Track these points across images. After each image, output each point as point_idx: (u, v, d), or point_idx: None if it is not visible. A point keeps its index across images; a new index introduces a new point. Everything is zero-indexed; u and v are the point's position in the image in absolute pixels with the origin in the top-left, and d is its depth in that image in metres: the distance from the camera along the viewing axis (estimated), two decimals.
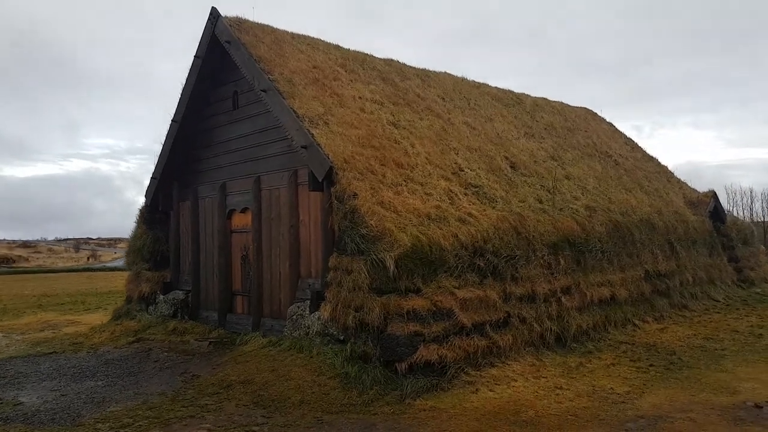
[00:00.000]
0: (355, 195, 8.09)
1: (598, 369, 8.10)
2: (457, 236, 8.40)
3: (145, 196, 13.14)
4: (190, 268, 12.27)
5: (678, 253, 13.86)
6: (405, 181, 9.21)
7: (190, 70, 11.51)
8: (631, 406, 6.48)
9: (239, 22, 10.86)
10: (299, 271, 9.63)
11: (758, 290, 16.24)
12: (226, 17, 10.88)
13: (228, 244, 11.39)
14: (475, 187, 10.51)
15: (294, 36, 11.90)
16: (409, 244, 7.56)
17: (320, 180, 8.56)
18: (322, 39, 12.83)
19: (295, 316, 9.08)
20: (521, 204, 10.81)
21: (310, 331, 8.63)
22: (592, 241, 11.12)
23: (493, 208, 10.04)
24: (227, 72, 11.20)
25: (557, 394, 6.90)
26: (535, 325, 8.91)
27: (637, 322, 10.99)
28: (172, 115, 12.05)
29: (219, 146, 11.66)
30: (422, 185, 9.42)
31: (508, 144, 13.36)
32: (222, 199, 11.39)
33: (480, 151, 12.01)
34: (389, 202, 8.25)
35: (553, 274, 9.89)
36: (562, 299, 9.70)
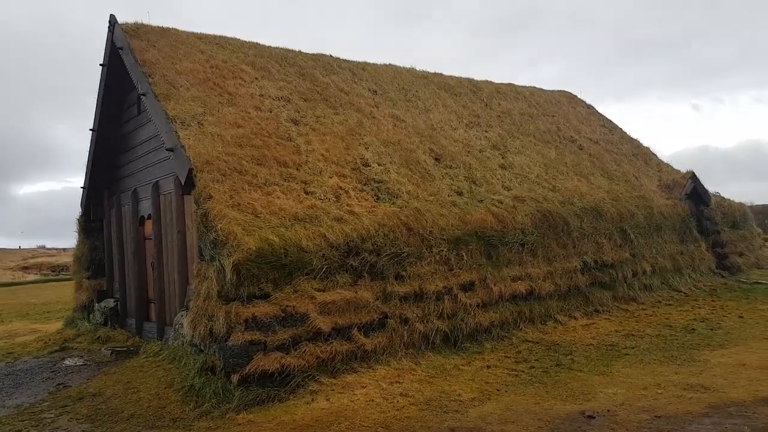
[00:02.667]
0: (209, 197, 7.81)
1: (471, 372, 7.57)
2: (325, 236, 8.01)
3: (80, 205, 13.25)
4: (118, 276, 12.29)
5: (632, 241, 12.97)
6: (284, 180, 8.88)
7: (100, 78, 11.48)
8: (459, 415, 5.98)
9: (136, 28, 10.77)
10: (187, 278, 9.43)
11: (742, 278, 15.10)
12: (125, 24, 10.80)
13: (142, 251, 11.32)
14: (378, 182, 10.07)
15: (201, 37, 11.73)
16: (254, 248, 7.21)
17: (182, 183, 8.32)
18: (242, 38, 12.62)
19: (177, 325, 8.91)
20: (430, 198, 10.32)
21: (185, 341, 8.42)
22: (510, 233, 10.49)
23: (393, 204, 9.60)
24: (131, 78, 11.10)
25: (394, 402, 6.45)
26: (419, 326, 8.43)
27: (560, 318, 10.32)
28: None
29: (130, 152, 11.63)
30: (305, 183, 9.06)
31: (439, 135, 12.82)
32: (135, 206, 11.34)
33: (398, 145, 11.53)
34: (249, 203, 7.93)
35: (451, 270, 9.36)
36: (460, 296, 9.15)
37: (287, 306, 7.30)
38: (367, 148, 10.87)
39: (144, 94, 9.47)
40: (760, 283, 14.40)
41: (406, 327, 8.33)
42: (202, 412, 6.66)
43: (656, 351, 8.22)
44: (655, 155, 18.92)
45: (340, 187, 9.30)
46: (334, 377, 7.28)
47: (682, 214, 15.21)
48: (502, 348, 8.73)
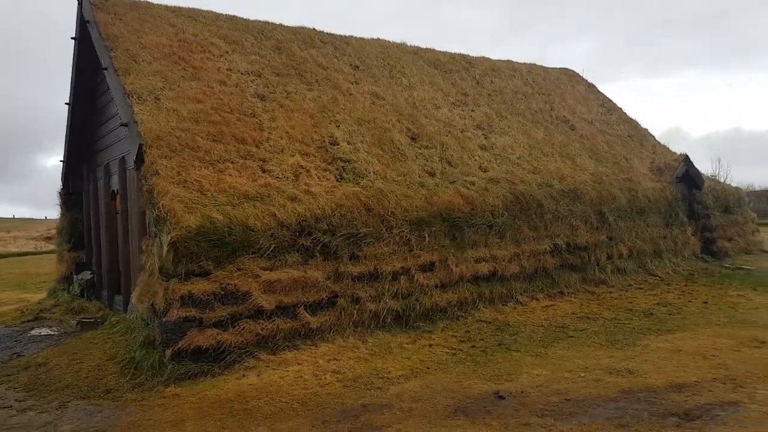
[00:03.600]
0: (156, 173, 7.86)
1: (412, 350, 7.61)
2: (275, 216, 8.02)
3: (60, 178, 13.45)
4: (95, 249, 12.50)
5: (611, 224, 12.76)
6: (240, 157, 8.88)
7: (73, 52, 11.53)
8: (378, 392, 6.03)
9: (104, 1, 10.72)
10: None
11: (726, 263, 14.81)
12: None
13: (113, 225, 11.47)
14: (345, 161, 10.03)
15: (174, 10, 11.68)
16: (194, 226, 7.25)
17: (134, 159, 8.37)
18: (218, 11, 12.52)
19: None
20: (399, 178, 10.25)
21: (138, 315, 8.56)
22: (479, 215, 10.40)
23: (356, 184, 9.55)
24: None
25: (322, 379, 6.52)
26: (370, 305, 8.46)
27: (522, 298, 10.27)
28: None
29: (103, 127, 11.73)
30: (264, 161, 9.06)
31: (420, 114, 12.65)
32: (107, 180, 11.47)
33: (373, 123, 11.43)
34: (197, 180, 7.97)
35: (412, 251, 9.33)
36: (417, 277, 9.14)
37: (228, 284, 7.36)
38: (338, 126, 10.79)
39: (105, 69, 9.50)
40: (742, 268, 14.13)
41: (356, 306, 8.36)
42: (136, 384, 6.80)
43: (603, 334, 8.15)
44: (653, 136, 18.50)
45: (301, 166, 9.27)
46: (273, 354, 7.36)
47: (669, 198, 14.89)
48: (454, 327, 8.73)
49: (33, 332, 9.99)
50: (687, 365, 6.44)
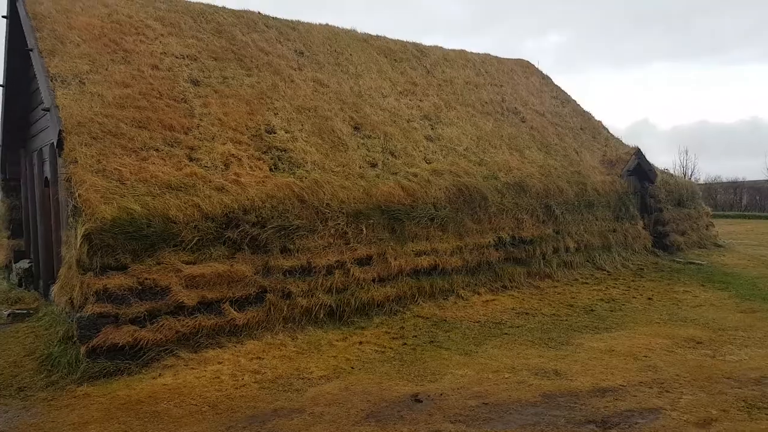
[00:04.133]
0: (75, 161, 7.47)
1: (341, 348, 7.44)
2: (199, 207, 7.71)
3: None
4: (33, 237, 11.97)
5: (558, 217, 12.78)
6: (167, 145, 8.52)
7: (5, 31, 10.92)
8: (294, 395, 5.86)
9: None
10: None
11: (678, 257, 15.01)
12: None
13: (47, 213, 10.95)
14: (281, 150, 9.74)
15: None
16: (110, 218, 6.92)
17: (55, 145, 7.95)
18: None
19: None
20: (338, 169, 10.01)
21: (61, 308, 8.19)
22: (420, 207, 10.24)
23: (291, 174, 9.29)
24: None
25: (240, 380, 6.31)
26: (302, 300, 8.24)
27: (464, 293, 10.18)
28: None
29: (36, 110, 11.15)
30: (192, 149, 8.72)
31: (365, 103, 12.41)
32: (40, 166, 10.95)
33: (314, 112, 11.15)
34: (117, 169, 7.60)
35: (348, 244, 9.13)
36: (353, 271, 8.95)
37: (146, 278, 7.06)
38: (276, 114, 10.48)
39: (31, 50, 8.99)
40: (693, 263, 14.34)
41: (287, 301, 8.14)
42: (50, 382, 6.50)
43: (537, 331, 8.11)
44: (606, 129, 18.63)
45: (232, 155, 8.96)
46: (195, 352, 7.10)
47: (619, 191, 15.00)
48: (389, 323, 8.60)
49: None
50: (616, 367, 6.41)
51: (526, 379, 6.11)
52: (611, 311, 9.38)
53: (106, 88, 8.69)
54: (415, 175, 10.88)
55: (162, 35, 10.66)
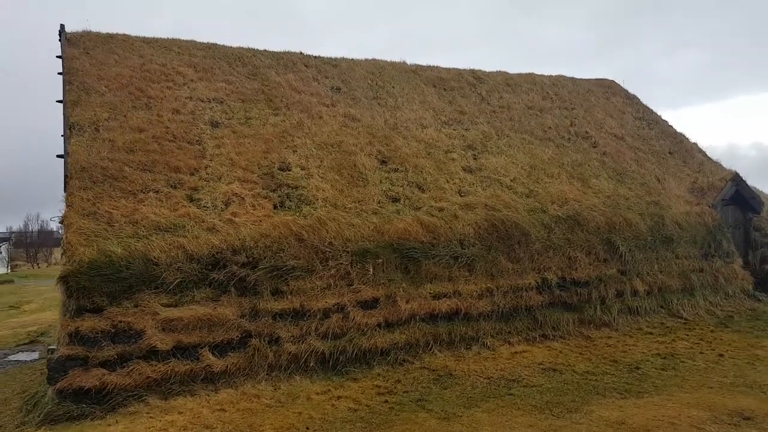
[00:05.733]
0: (70, 205, 7.68)
1: (315, 403, 6.77)
2: (184, 248, 7.57)
3: None
4: None
5: (623, 255, 11.16)
6: (169, 186, 8.55)
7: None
8: None
9: (79, 36, 10.99)
10: None
11: None
12: (73, 32, 11.09)
13: None
14: (292, 188, 9.46)
15: (149, 41, 11.76)
16: (87, 260, 6.95)
17: (64, 190, 8.28)
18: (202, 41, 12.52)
19: None
20: (351, 205, 9.53)
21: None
22: (443, 245, 9.40)
23: (297, 212, 8.93)
24: None
25: None
26: (290, 346, 7.73)
27: (490, 342, 9.09)
28: None
29: None
30: (195, 190, 8.69)
31: (398, 136, 11.84)
32: None
33: (338, 147, 10.79)
34: (108, 211, 7.70)
35: (351, 285, 8.52)
36: (354, 315, 8.30)
37: (120, 321, 6.97)
38: (294, 151, 10.26)
39: (61, 101, 9.61)
40: None
41: (273, 348, 7.67)
42: (22, 422, 6.56)
43: (551, 393, 6.87)
44: (703, 152, 16.33)
45: (236, 194, 8.80)
46: (165, 399, 6.84)
47: (709, 224, 12.91)
48: (388, 375, 7.79)
49: (12, 357, 10.18)
50: None
51: None
52: (661, 370, 7.78)
53: (119, 134, 8.99)
54: (441, 210, 10.05)
55: (192, 80, 10.99)
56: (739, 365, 7.96)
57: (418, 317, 8.77)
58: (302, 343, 7.83)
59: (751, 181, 14.70)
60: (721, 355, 8.47)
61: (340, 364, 7.93)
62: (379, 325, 8.46)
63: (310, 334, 7.95)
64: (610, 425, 5.69)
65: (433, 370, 7.97)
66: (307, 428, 5.97)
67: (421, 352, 8.57)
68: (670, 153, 15.62)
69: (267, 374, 7.53)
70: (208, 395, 7.00)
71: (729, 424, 5.60)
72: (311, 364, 7.79)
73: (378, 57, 15.26)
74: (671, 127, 17.13)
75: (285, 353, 7.69)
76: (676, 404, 6.25)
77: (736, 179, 14.17)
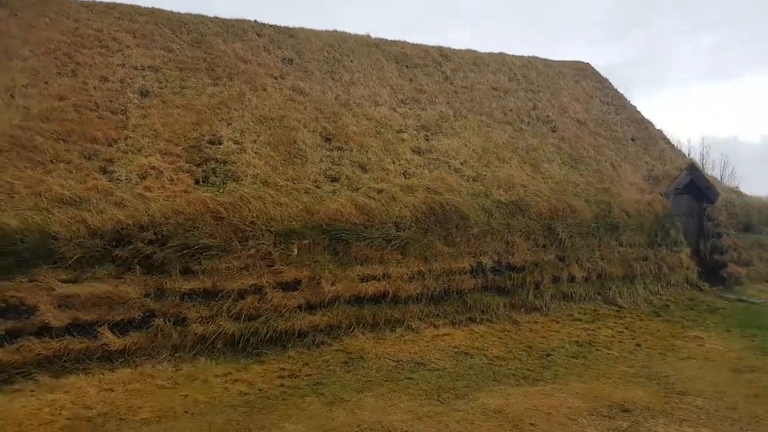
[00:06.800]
0: None
1: (211, 385, 6.60)
2: (86, 222, 7.30)
3: None
4: None
5: (563, 241, 10.99)
6: (82, 157, 8.26)
7: None
8: None
9: None
10: None
11: (728, 293, 12.44)
12: None
13: None
14: (220, 163, 9.19)
15: (88, 4, 11.30)
16: None
17: None
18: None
19: None
20: (284, 183, 9.28)
21: None
22: (376, 227, 9.18)
23: (220, 188, 8.67)
24: None
25: (55, 414, 5.69)
26: (196, 327, 7.53)
27: (417, 325, 8.92)
28: None
29: None
30: (109, 162, 8.40)
31: (347, 113, 11.53)
32: None
33: (278, 122, 10.48)
34: (10, 182, 7.42)
35: (272, 266, 8.30)
36: (272, 296, 8.09)
37: (11, 296, 6.73)
38: (229, 124, 9.95)
39: None
40: (744, 300, 11.79)
41: (178, 328, 7.47)
42: None
43: (447, 378, 6.77)
44: (666, 140, 16.12)
45: (154, 167, 8.51)
46: (56, 377, 6.64)
47: (659, 212, 12.75)
48: (301, 357, 7.63)
49: None
50: None
51: None
52: (571, 358, 7.68)
53: (37, 101, 8.64)
54: (380, 191, 9.81)
55: (128, 47, 10.58)
56: (651, 355, 7.88)
57: (342, 299, 8.58)
58: (211, 324, 7.63)
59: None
60: (638, 345, 8.39)
61: (250, 346, 7.74)
62: (299, 307, 8.26)
63: (221, 315, 7.74)
64: (486, 413, 5.58)
65: (348, 353, 7.82)
66: (186, 412, 5.81)
67: (342, 334, 8.40)
68: (632, 140, 15.39)
69: (170, 355, 7.33)
70: (103, 374, 6.80)
71: (604, 416, 5.50)
72: (218, 345, 7.61)
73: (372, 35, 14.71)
74: (639, 113, 16.87)
75: (191, 334, 7.49)
76: (564, 394, 6.15)
77: (691, 168, 13.99)
